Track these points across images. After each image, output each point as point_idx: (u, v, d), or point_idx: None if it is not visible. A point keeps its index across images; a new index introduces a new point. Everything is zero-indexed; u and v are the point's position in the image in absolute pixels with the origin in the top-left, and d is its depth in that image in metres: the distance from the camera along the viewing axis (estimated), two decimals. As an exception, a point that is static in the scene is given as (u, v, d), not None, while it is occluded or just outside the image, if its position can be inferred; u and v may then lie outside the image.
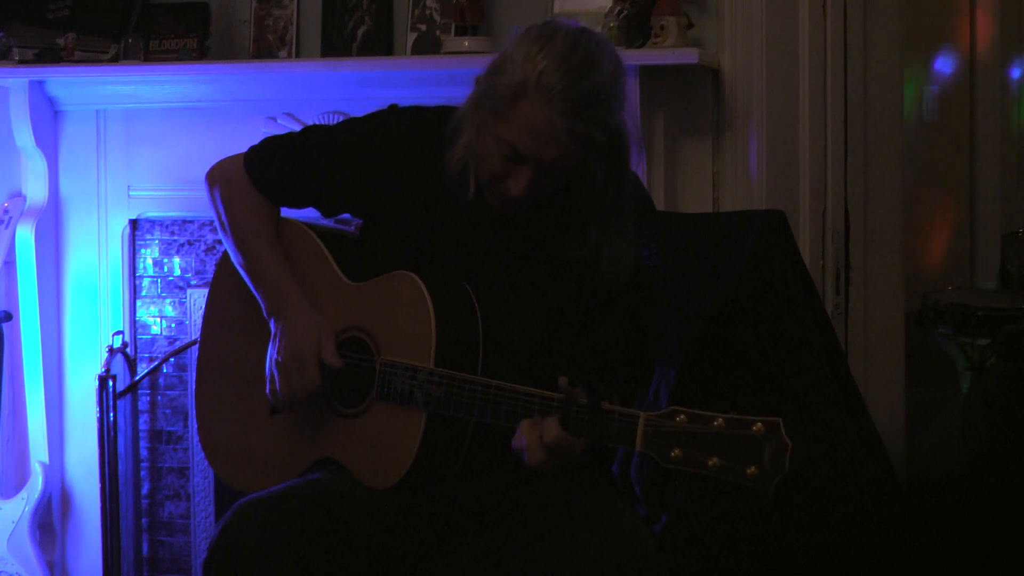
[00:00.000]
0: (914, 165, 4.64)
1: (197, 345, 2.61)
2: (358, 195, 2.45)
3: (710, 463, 2.00)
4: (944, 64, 5.09)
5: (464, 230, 2.38)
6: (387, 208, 2.42)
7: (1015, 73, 5.33)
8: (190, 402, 3.83)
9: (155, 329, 3.86)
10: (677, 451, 2.02)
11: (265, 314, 2.43)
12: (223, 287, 2.57)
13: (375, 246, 2.46)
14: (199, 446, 3.77)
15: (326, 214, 2.55)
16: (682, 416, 2.03)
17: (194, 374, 2.63)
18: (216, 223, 2.53)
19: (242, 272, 2.47)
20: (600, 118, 2.23)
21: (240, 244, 2.47)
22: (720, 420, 2.01)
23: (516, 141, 2.23)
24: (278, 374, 2.38)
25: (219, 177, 2.52)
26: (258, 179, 2.48)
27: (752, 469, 1.98)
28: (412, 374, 2.27)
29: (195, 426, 3.74)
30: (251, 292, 2.47)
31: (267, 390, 2.40)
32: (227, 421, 2.53)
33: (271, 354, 2.40)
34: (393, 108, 2.50)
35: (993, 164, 5.13)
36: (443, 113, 2.41)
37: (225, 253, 2.55)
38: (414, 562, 2.35)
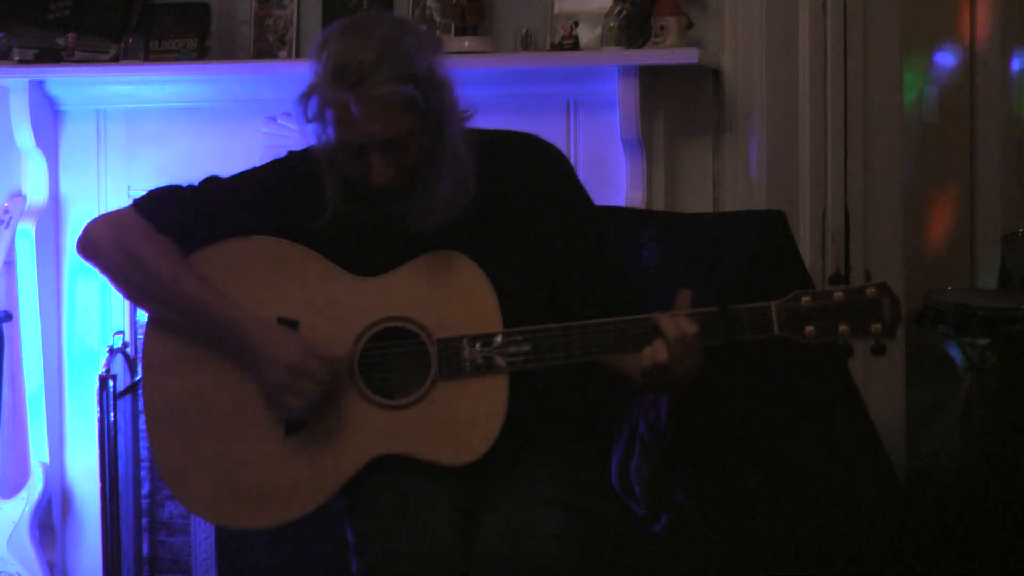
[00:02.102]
0: (914, 165, 4.64)
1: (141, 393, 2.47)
2: (265, 232, 2.44)
3: (841, 329, 2.29)
4: (944, 61, 5.09)
5: (388, 253, 2.39)
6: (295, 236, 2.43)
7: (1015, 65, 5.32)
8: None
9: (155, 329, 3.86)
10: (810, 327, 2.29)
11: (231, 350, 2.38)
12: (157, 335, 2.46)
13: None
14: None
15: None
16: (806, 298, 2.29)
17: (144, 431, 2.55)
18: (122, 285, 2.43)
19: (180, 320, 2.40)
20: (396, 75, 2.25)
21: (166, 292, 2.40)
22: (839, 293, 2.29)
23: (351, 134, 2.27)
24: (282, 395, 2.35)
25: (106, 233, 2.44)
26: (160, 221, 2.42)
27: (877, 326, 2.29)
28: (486, 341, 2.32)
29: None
30: (186, 331, 2.41)
31: (281, 416, 2.37)
32: (217, 465, 2.43)
33: (266, 382, 2.36)
34: (290, 153, 2.52)
35: (993, 164, 5.13)
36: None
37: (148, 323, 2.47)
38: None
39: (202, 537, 3.83)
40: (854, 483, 2.86)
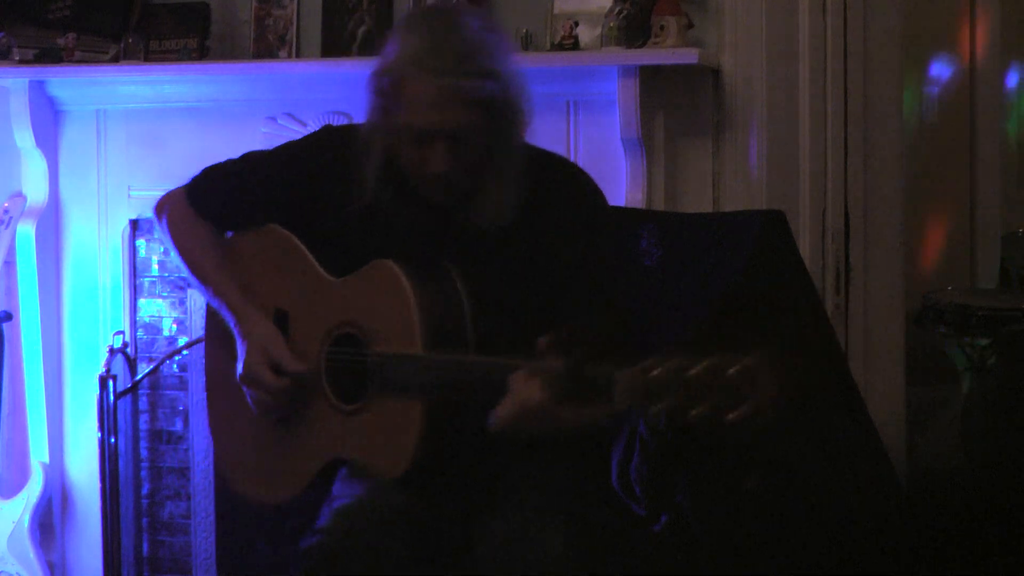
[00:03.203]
0: (914, 165, 4.64)
1: (203, 355, 2.68)
2: (298, 212, 2.48)
3: (692, 413, 1.91)
4: (944, 66, 5.09)
5: (415, 239, 2.39)
6: (328, 223, 2.45)
7: (1013, 77, 5.33)
8: (191, 402, 3.83)
9: (155, 329, 3.86)
10: (659, 404, 1.94)
11: (234, 334, 2.49)
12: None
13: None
14: (199, 445, 3.80)
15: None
16: (658, 369, 1.95)
17: (203, 355, 2.69)
18: (172, 254, 2.59)
19: (203, 294, 2.55)
20: (479, 69, 2.26)
21: (194, 271, 2.55)
22: (695, 368, 1.91)
23: (417, 120, 2.27)
24: (245, 391, 2.46)
25: (164, 210, 2.59)
26: (200, 206, 2.55)
27: (732, 415, 1.89)
28: (400, 363, 2.28)
29: (198, 417, 3.79)
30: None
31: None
32: (237, 437, 2.57)
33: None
34: (327, 127, 2.57)
35: (993, 164, 5.13)
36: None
37: None
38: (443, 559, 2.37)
39: (202, 537, 3.83)
40: (854, 483, 2.86)
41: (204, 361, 2.67)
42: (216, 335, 2.60)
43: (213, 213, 2.55)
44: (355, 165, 2.39)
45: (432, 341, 2.27)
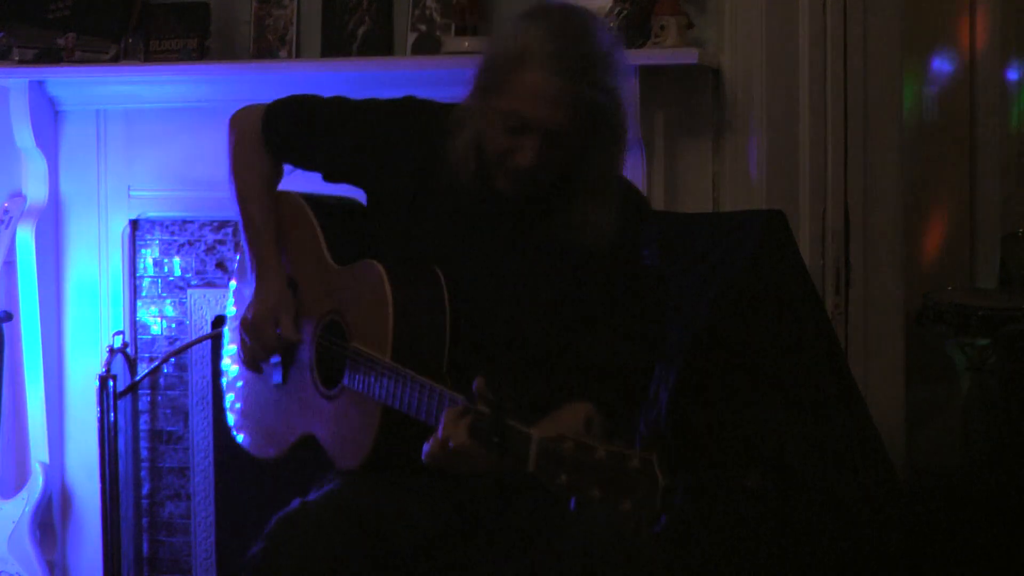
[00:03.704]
0: (914, 165, 4.64)
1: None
2: (362, 169, 2.47)
3: (593, 494, 1.94)
4: (944, 64, 5.09)
5: (461, 221, 2.39)
6: (386, 189, 2.44)
7: (1013, 75, 5.33)
8: (191, 402, 3.83)
9: (155, 329, 3.86)
10: (564, 477, 1.96)
11: (250, 272, 2.52)
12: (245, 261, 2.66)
13: (371, 225, 2.49)
14: (199, 445, 3.80)
15: (328, 180, 2.56)
16: (569, 443, 1.97)
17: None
18: (227, 167, 2.59)
19: (240, 225, 2.56)
20: (600, 82, 2.25)
21: (239, 198, 2.55)
22: (602, 452, 1.94)
23: (520, 109, 2.24)
24: (239, 336, 2.50)
25: (238, 126, 2.58)
26: (269, 134, 2.53)
27: (627, 503, 1.91)
28: (370, 364, 2.30)
29: (198, 417, 3.80)
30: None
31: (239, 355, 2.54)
32: (247, 389, 2.62)
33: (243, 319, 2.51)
34: (410, 96, 2.52)
35: (993, 163, 5.13)
36: (450, 108, 2.43)
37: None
38: (425, 565, 2.35)
39: (202, 537, 3.83)
40: (854, 483, 2.86)
41: (235, 299, 2.67)
42: (243, 286, 2.62)
43: (280, 145, 2.53)
44: (435, 139, 2.38)
45: (402, 350, 2.28)
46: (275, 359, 2.51)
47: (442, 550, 2.35)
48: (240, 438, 2.63)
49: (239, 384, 2.64)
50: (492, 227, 2.38)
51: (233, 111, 3.74)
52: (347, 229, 2.55)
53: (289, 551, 2.23)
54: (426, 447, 2.15)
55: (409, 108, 2.49)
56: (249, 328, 2.47)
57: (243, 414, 2.63)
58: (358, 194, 2.55)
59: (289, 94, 2.57)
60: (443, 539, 2.35)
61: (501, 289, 2.36)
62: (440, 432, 2.13)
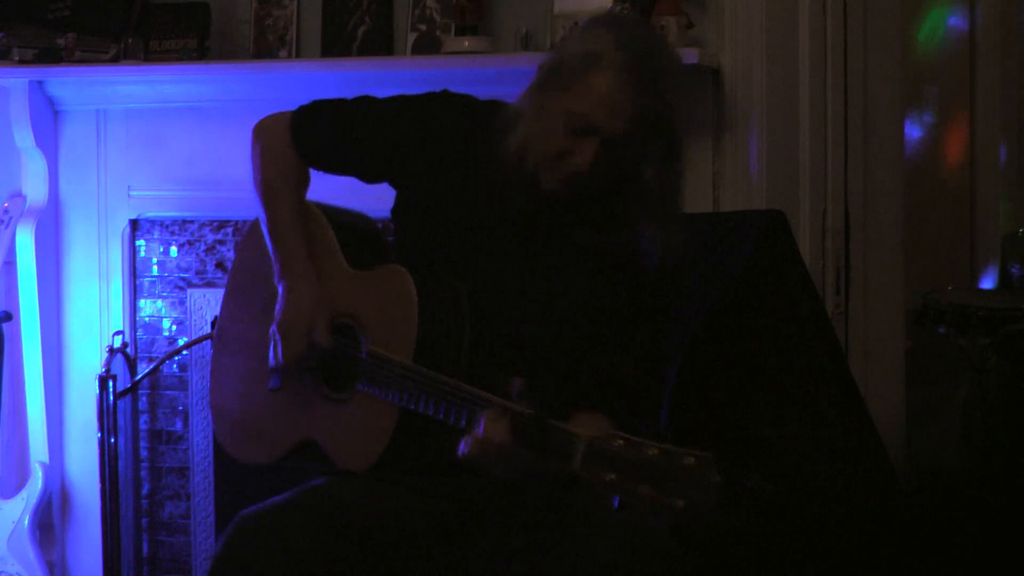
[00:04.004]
0: (914, 164, 4.64)
1: (207, 331, 2.67)
2: (401, 166, 2.43)
3: (641, 491, 1.94)
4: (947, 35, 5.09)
5: (497, 223, 2.36)
6: (424, 185, 2.41)
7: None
8: (191, 402, 3.83)
9: (155, 329, 3.86)
10: (612, 476, 1.97)
11: (276, 278, 2.44)
12: (243, 261, 2.62)
13: (399, 226, 2.46)
14: (199, 445, 3.80)
15: (366, 181, 2.52)
16: (620, 441, 1.98)
17: (204, 352, 2.68)
18: (252, 175, 2.53)
19: (264, 229, 2.49)
20: (668, 95, 2.25)
21: (267, 204, 2.49)
22: (655, 449, 1.95)
23: (586, 111, 2.22)
24: (272, 339, 2.42)
25: (264, 131, 2.52)
26: (300, 142, 2.49)
27: (680, 503, 1.92)
28: (390, 368, 2.28)
29: (198, 417, 3.79)
30: (266, 267, 2.49)
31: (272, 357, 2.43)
32: (233, 392, 2.56)
33: (274, 324, 2.43)
34: (446, 90, 2.49)
35: (994, 164, 5.13)
36: (494, 105, 2.42)
37: (248, 231, 2.58)
38: (421, 563, 2.34)
39: (202, 537, 3.83)
40: (854, 483, 2.86)
41: (221, 308, 2.63)
42: (238, 287, 2.59)
43: (309, 151, 2.49)
44: (478, 133, 2.35)
45: (423, 354, 2.28)
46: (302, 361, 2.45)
47: (435, 547, 2.34)
48: (221, 438, 2.59)
49: (222, 386, 2.59)
50: (529, 228, 2.35)
51: (233, 111, 3.76)
52: (359, 234, 2.54)
53: (249, 551, 2.22)
54: (463, 447, 2.13)
55: (451, 101, 2.46)
56: (286, 330, 2.39)
57: (228, 420, 2.57)
58: (368, 201, 2.54)
59: (312, 100, 2.53)
60: (436, 535, 2.35)
61: (527, 293, 2.34)
62: (480, 431, 2.12)
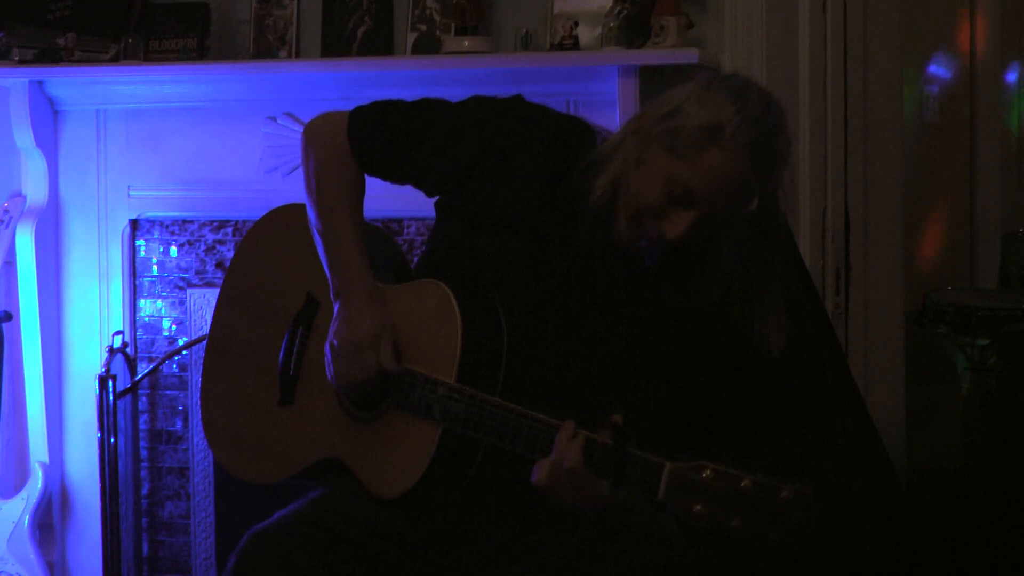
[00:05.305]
0: (914, 165, 4.64)
1: (208, 331, 2.56)
2: (470, 178, 2.29)
3: (732, 524, 1.92)
4: (944, 65, 5.09)
5: (564, 252, 2.27)
6: (491, 199, 2.28)
7: (1012, 76, 5.33)
8: (191, 402, 3.83)
9: (155, 329, 3.86)
10: (699, 507, 1.94)
11: (332, 293, 2.33)
12: (243, 268, 2.52)
13: (438, 241, 2.38)
14: (199, 445, 3.80)
15: (429, 193, 2.38)
16: (708, 472, 1.94)
17: (203, 352, 2.59)
18: (304, 182, 2.39)
19: (317, 239, 2.36)
20: (778, 182, 2.19)
21: (325, 216, 2.35)
22: (747, 481, 1.92)
23: (695, 185, 2.12)
24: (330, 356, 2.31)
25: (318, 136, 2.39)
26: (359, 148, 2.36)
27: (775, 535, 1.91)
28: (432, 387, 2.21)
29: (198, 417, 3.77)
30: (272, 277, 2.43)
31: (332, 382, 2.32)
32: (232, 404, 2.46)
33: (328, 335, 2.31)
34: (521, 98, 2.38)
35: (993, 163, 5.13)
36: (579, 125, 2.33)
37: (248, 234, 2.52)
38: (426, 571, 2.31)
39: (202, 537, 3.83)
40: (854, 483, 2.86)
41: (214, 316, 2.53)
42: (238, 296, 2.50)
43: (369, 158, 2.35)
44: (556, 156, 2.26)
45: (466, 373, 2.20)
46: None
47: (436, 558, 2.32)
48: (220, 457, 2.49)
49: (218, 398, 2.50)
50: (587, 266, 2.27)
51: (233, 111, 3.76)
52: (385, 250, 2.46)
53: (262, 566, 2.19)
54: (536, 470, 2.08)
55: (528, 112, 2.34)
56: (342, 352, 2.28)
57: (227, 435, 2.48)
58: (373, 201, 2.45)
59: (371, 102, 2.41)
60: (438, 546, 2.32)
61: (571, 329, 2.26)
62: (553, 453, 2.07)
